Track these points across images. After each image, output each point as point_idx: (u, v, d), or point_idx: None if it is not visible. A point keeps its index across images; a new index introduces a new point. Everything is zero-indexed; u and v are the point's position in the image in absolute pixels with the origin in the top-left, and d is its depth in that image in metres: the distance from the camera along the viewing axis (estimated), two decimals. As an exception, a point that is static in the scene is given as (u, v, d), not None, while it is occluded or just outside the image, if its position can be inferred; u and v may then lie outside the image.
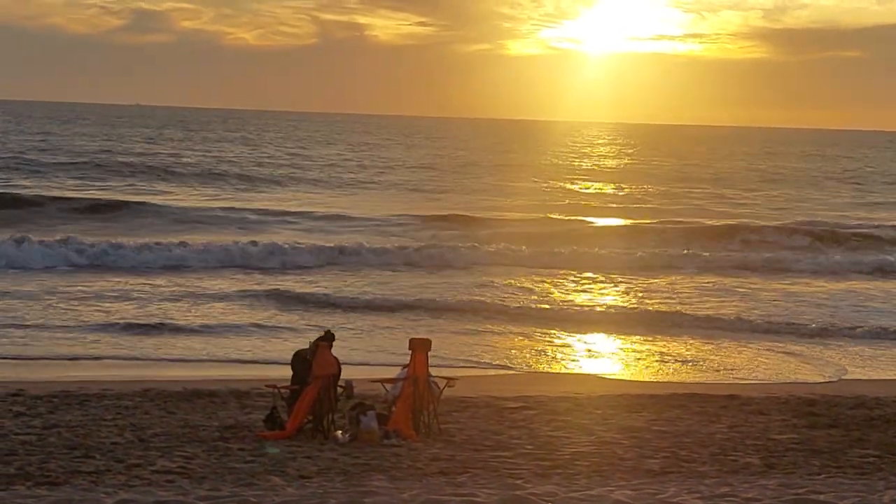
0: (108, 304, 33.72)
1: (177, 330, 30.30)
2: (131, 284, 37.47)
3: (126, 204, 58.34)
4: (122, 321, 30.92)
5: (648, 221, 59.89)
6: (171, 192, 69.29)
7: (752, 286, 41.86)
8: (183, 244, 43.86)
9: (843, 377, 27.55)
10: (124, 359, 27.05)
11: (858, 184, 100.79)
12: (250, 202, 65.70)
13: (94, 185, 70.45)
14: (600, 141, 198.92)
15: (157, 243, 43.58)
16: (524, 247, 48.15)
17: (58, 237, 43.48)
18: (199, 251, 43.31)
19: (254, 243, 44.53)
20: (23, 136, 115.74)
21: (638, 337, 31.96)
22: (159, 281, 38.41)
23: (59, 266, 40.50)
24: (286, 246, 44.71)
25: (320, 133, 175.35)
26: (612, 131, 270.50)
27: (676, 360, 29.34)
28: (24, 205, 55.84)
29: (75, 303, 33.70)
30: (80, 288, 36.37)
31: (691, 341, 31.45)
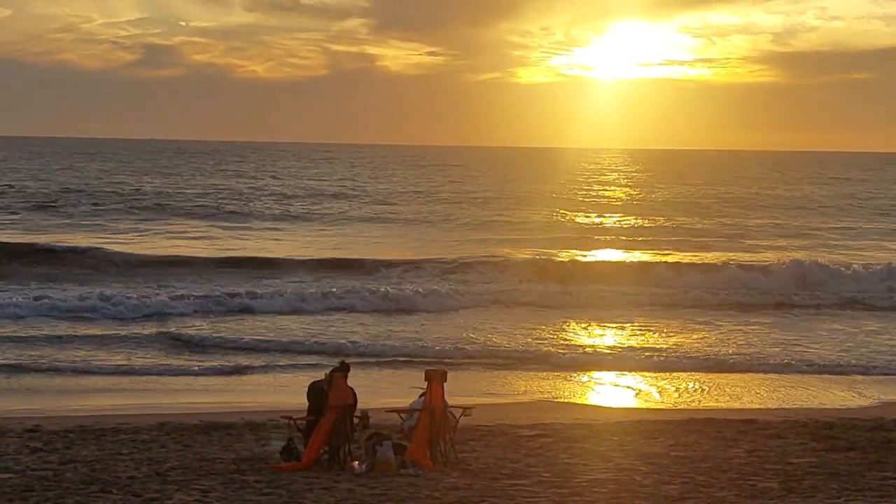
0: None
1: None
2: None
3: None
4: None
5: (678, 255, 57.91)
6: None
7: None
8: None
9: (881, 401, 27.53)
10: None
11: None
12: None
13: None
14: (613, 168, 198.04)
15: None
16: (539, 286, 46.54)
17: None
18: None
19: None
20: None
21: (654, 372, 31.86)
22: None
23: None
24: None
25: (331, 164, 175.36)
26: (625, 158, 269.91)
27: (690, 387, 29.36)
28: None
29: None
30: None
31: (711, 374, 31.32)
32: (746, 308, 43.83)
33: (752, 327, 39.14)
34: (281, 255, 54.67)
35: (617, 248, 63.26)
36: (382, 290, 43.41)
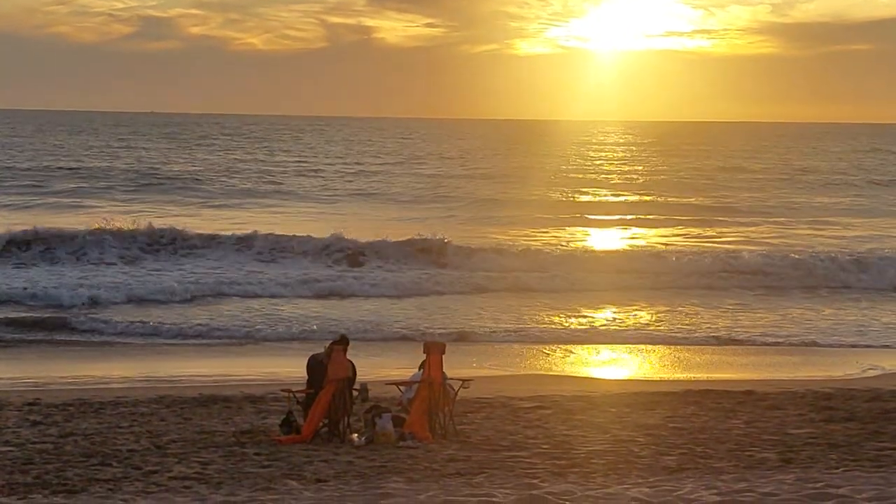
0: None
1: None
2: None
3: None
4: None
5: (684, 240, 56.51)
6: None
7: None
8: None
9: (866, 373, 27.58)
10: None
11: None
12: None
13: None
14: (612, 141, 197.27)
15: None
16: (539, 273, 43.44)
17: None
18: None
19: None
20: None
21: (652, 345, 31.95)
22: None
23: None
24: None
25: (320, 137, 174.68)
26: (623, 130, 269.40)
27: (688, 360, 29.46)
28: None
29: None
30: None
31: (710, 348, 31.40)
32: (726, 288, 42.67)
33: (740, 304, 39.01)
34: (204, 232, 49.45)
35: (603, 229, 62.16)
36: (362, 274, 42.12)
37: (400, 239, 47.46)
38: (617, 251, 51.40)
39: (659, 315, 36.27)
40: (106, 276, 40.66)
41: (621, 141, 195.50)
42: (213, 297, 38.20)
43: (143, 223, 48.39)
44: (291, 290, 39.40)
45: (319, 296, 39.11)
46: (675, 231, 60.30)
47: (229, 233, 48.37)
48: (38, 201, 69.05)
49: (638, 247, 53.31)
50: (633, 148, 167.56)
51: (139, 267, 43.33)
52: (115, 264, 43.62)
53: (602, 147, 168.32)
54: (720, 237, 57.70)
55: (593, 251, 51.30)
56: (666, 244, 54.18)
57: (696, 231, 60.21)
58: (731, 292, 41.63)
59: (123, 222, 48.70)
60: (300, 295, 39.00)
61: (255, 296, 38.46)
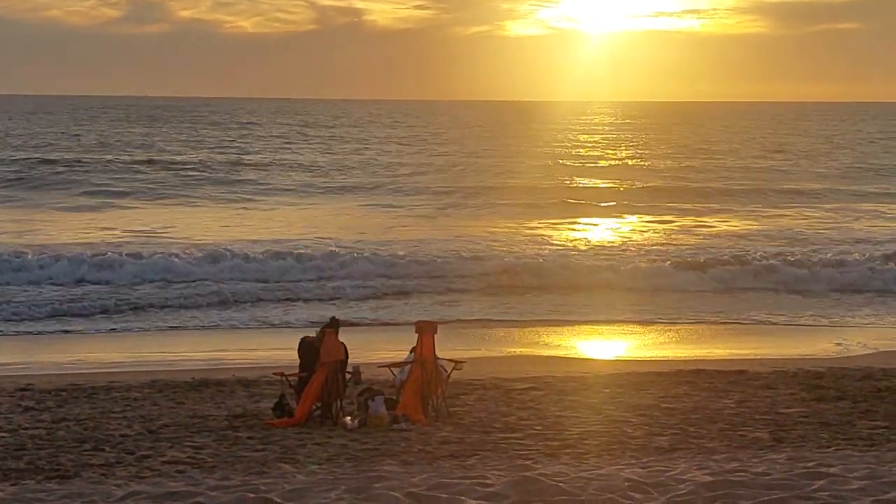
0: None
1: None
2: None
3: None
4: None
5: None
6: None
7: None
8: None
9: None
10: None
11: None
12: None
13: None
14: (603, 122, 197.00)
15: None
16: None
17: None
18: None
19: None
20: None
21: (644, 326, 31.98)
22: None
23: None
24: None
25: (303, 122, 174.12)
26: (614, 111, 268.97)
27: (680, 339, 29.50)
28: None
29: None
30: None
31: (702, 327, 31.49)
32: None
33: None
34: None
35: (594, 217, 61.19)
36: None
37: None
38: (612, 240, 51.02)
39: (650, 296, 36.36)
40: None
41: (608, 122, 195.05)
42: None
43: None
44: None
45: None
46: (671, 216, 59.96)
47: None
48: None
49: (635, 239, 52.31)
50: (618, 129, 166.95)
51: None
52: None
53: (579, 129, 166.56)
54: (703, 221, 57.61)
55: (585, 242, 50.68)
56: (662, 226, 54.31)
57: (690, 216, 60.02)
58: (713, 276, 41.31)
59: None
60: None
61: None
